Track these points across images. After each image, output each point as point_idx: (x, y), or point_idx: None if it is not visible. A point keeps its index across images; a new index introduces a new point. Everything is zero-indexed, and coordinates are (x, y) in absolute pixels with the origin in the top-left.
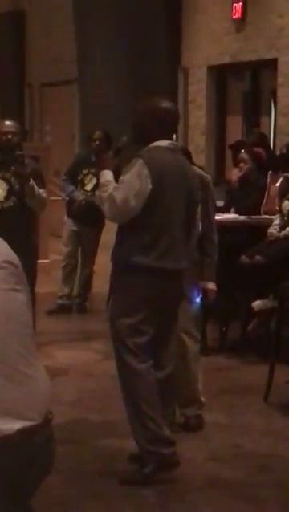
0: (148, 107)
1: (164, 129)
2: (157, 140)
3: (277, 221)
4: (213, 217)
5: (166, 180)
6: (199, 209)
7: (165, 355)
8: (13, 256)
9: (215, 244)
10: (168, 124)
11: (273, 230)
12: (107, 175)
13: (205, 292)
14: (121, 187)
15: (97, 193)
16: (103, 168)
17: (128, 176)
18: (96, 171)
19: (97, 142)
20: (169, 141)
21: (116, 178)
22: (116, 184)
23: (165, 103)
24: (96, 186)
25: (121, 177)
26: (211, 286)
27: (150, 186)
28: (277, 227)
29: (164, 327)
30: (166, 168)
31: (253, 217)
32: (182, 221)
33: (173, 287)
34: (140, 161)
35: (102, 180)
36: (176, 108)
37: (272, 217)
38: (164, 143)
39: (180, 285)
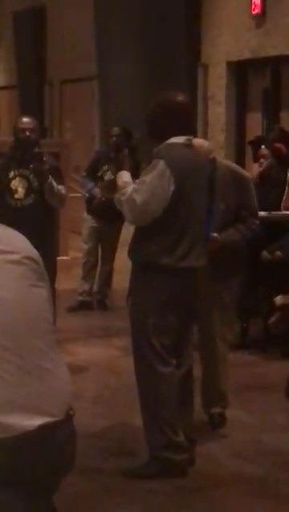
0: (159, 102)
1: (176, 123)
2: (171, 134)
3: None
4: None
5: (188, 180)
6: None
7: (184, 354)
8: (34, 252)
9: (251, 229)
10: (180, 118)
11: None
12: (125, 176)
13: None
14: (142, 189)
15: (116, 196)
16: (120, 169)
17: (148, 178)
18: (114, 170)
19: (114, 138)
20: (185, 137)
21: (135, 175)
22: (134, 186)
23: (177, 97)
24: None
25: (141, 177)
26: (217, 235)
27: (172, 188)
28: None
29: (184, 326)
30: (186, 166)
31: (273, 212)
32: (202, 217)
33: (194, 285)
34: (161, 162)
35: (119, 182)
36: (188, 102)
37: None
38: (180, 139)
39: (200, 282)
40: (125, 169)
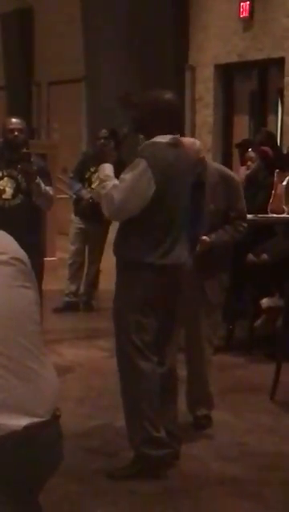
0: (149, 99)
1: (164, 121)
2: (158, 132)
3: None
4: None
5: (170, 179)
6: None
7: (167, 351)
8: (21, 253)
9: (239, 231)
10: (168, 116)
11: None
12: (107, 169)
13: (199, 241)
14: (121, 186)
15: (96, 188)
16: (104, 161)
17: (129, 176)
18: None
19: (102, 140)
20: (171, 136)
21: (119, 170)
22: (115, 181)
23: (166, 95)
24: None
25: (122, 175)
26: (206, 237)
27: (154, 187)
28: None
29: (166, 323)
30: (169, 166)
31: (260, 215)
32: (185, 216)
33: (176, 283)
34: (143, 162)
35: (101, 174)
36: (177, 101)
37: (279, 215)
38: (165, 138)
39: (181, 280)
40: (109, 162)
